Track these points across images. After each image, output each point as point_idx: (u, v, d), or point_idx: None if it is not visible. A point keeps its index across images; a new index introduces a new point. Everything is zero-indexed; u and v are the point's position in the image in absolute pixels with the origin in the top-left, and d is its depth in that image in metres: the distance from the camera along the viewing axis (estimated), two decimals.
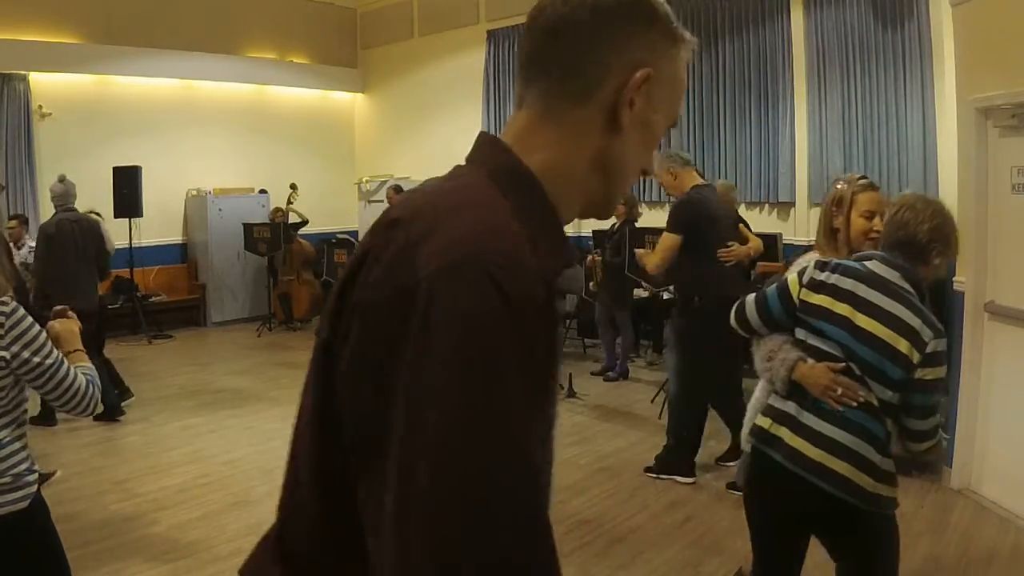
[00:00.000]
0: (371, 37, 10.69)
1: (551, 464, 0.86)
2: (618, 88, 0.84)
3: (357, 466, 0.74)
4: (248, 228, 8.69)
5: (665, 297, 6.40)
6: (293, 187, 8.83)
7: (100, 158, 7.97)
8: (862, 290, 2.03)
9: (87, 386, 1.92)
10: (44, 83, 8.09)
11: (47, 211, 7.49)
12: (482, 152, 0.87)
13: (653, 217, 7.65)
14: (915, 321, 1.97)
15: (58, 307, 2.15)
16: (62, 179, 5.58)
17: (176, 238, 9.22)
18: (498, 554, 0.68)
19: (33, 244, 5.82)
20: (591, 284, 6.59)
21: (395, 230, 0.76)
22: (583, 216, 0.93)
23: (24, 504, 1.84)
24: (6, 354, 1.79)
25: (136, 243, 8.00)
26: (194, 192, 9.15)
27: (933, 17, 6.18)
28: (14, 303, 1.85)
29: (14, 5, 7.79)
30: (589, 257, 6.68)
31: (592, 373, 6.64)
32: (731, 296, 4.09)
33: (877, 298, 2.00)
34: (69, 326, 2.10)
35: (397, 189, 7.73)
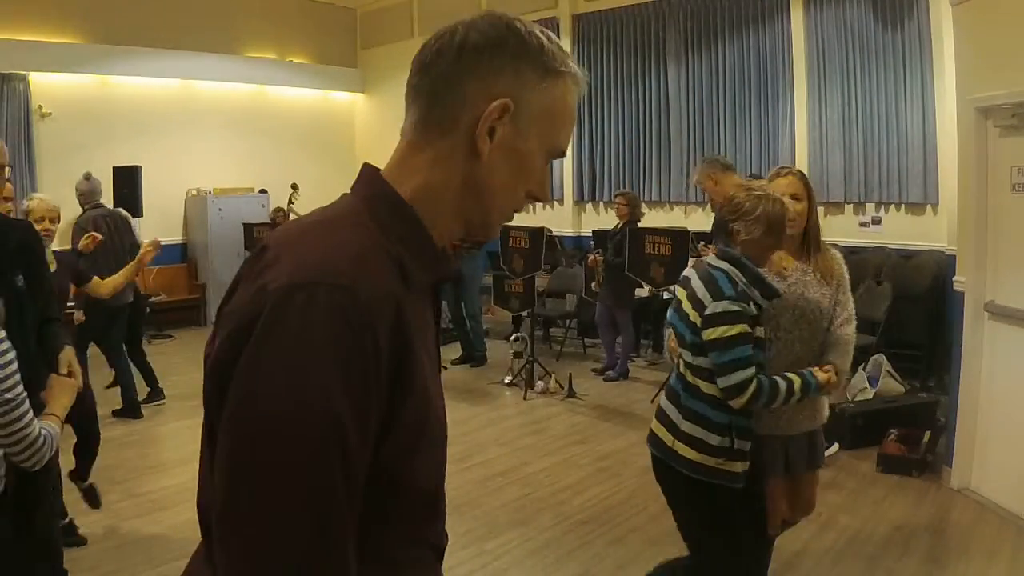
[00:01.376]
0: (371, 37, 10.69)
1: (430, 455, 0.91)
2: (476, 118, 0.89)
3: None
4: (248, 228, 8.67)
5: (665, 297, 6.40)
6: (294, 187, 8.83)
7: (100, 158, 7.96)
8: (692, 275, 2.39)
9: (39, 438, 1.85)
10: (44, 83, 8.09)
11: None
12: (361, 182, 0.94)
13: (654, 218, 7.66)
14: (702, 291, 2.30)
15: (63, 369, 2.21)
16: (88, 176, 5.68)
17: (176, 238, 9.22)
18: (289, 562, 0.74)
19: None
20: (592, 284, 6.59)
21: (263, 255, 0.84)
22: (468, 238, 0.99)
23: None
24: None
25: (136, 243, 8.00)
26: (194, 192, 9.15)
27: (933, 17, 6.18)
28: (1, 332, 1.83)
29: (14, 5, 7.79)
30: (590, 257, 6.69)
31: (592, 372, 6.65)
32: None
33: (695, 280, 2.36)
34: (62, 393, 2.09)
35: None
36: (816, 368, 2.39)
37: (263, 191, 9.51)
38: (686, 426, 2.35)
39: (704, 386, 2.31)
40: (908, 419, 4.59)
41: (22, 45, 7.77)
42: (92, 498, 3.68)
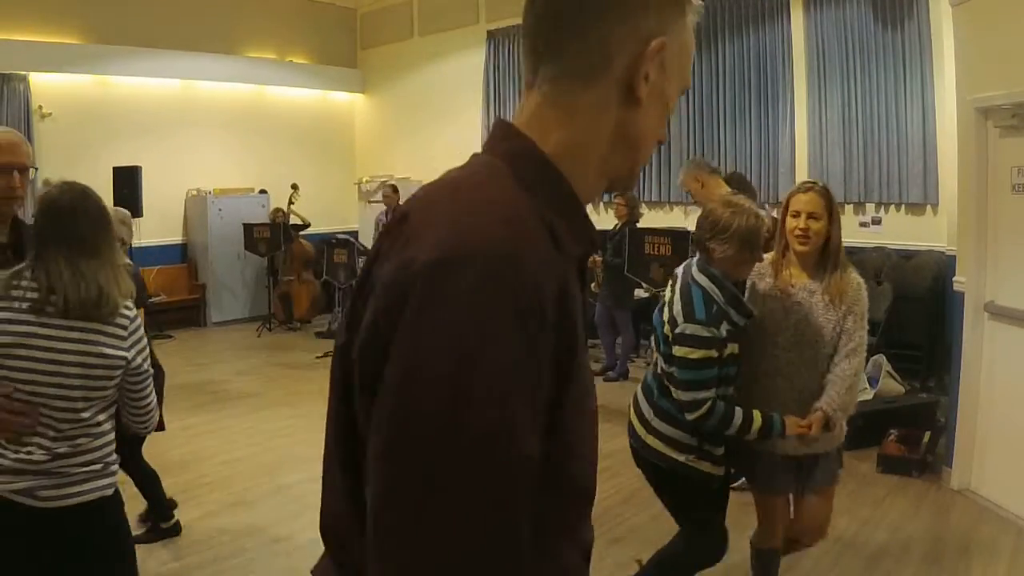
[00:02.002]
0: (371, 37, 10.69)
1: (584, 456, 0.84)
2: (631, 62, 0.82)
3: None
4: (248, 228, 8.69)
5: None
6: (295, 187, 8.83)
7: (100, 158, 7.97)
8: (676, 278, 2.46)
9: (155, 408, 2.10)
10: (44, 83, 8.09)
11: None
12: (496, 139, 0.86)
13: (654, 218, 7.66)
14: (678, 307, 2.37)
15: None
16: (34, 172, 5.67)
17: (176, 238, 9.22)
18: (459, 548, 0.66)
19: None
20: (591, 285, 6.59)
21: (404, 224, 0.76)
22: (608, 191, 0.93)
23: (110, 491, 1.96)
24: (128, 355, 1.93)
25: (136, 243, 7.98)
26: (194, 192, 9.15)
27: (933, 17, 6.18)
28: (135, 310, 2.00)
29: (14, 5, 7.79)
30: (590, 258, 6.69)
31: (592, 373, 6.64)
32: None
33: (677, 289, 2.42)
34: None
35: (394, 188, 7.74)
36: (791, 418, 2.37)
37: (263, 191, 9.51)
38: (657, 423, 2.48)
39: (675, 391, 2.40)
40: (908, 419, 4.59)
41: (22, 45, 7.77)
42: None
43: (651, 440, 2.49)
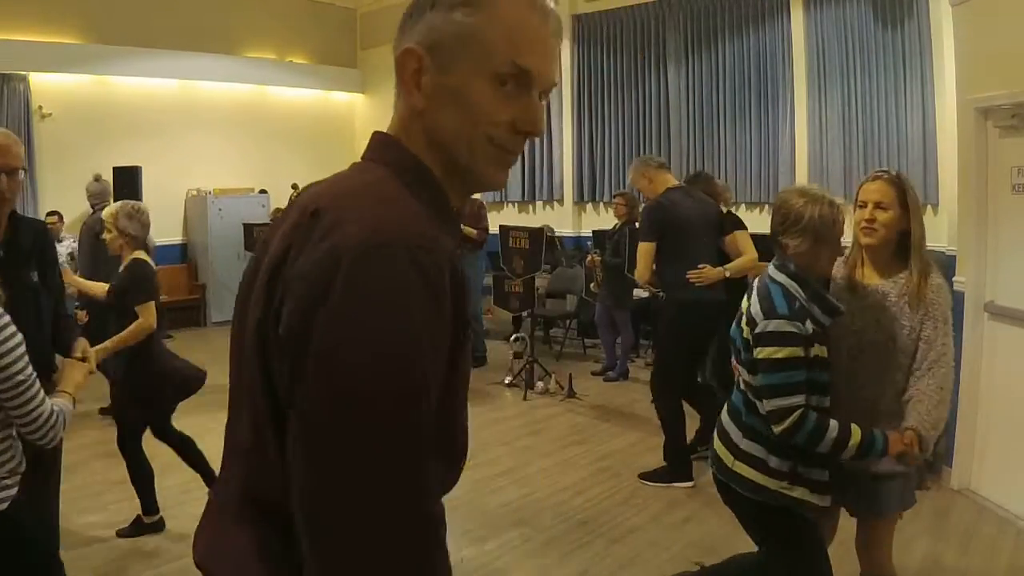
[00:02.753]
0: (371, 37, 10.69)
1: (463, 413, 0.96)
2: (398, 73, 0.92)
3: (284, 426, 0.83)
4: (248, 228, 8.66)
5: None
6: (295, 187, 8.82)
7: (100, 158, 7.95)
8: (753, 287, 2.25)
9: (51, 415, 1.89)
10: (44, 83, 8.08)
11: (43, 210, 7.51)
12: (375, 148, 0.96)
13: None
14: (756, 308, 2.15)
15: (78, 353, 2.27)
16: (98, 178, 5.75)
17: (176, 238, 9.23)
18: (378, 541, 0.77)
19: (71, 240, 6.05)
20: (591, 285, 6.59)
21: (318, 218, 0.83)
22: (477, 190, 1.03)
23: (1, 507, 1.86)
24: None
25: None
26: (194, 192, 9.16)
27: (933, 17, 6.18)
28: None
29: (14, 5, 7.79)
30: (589, 257, 6.69)
31: (592, 373, 6.64)
32: (686, 300, 4.15)
33: (753, 294, 2.21)
34: (74, 372, 2.17)
35: None
36: (895, 433, 2.09)
37: (263, 191, 9.51)
38: (746, 444, 2.21)
39: (760, 404, 2.15)
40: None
41: (22, 45, 7.77)
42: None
43: (740, 467, 2.21)
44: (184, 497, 4.03)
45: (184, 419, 5.36)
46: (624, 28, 8.26)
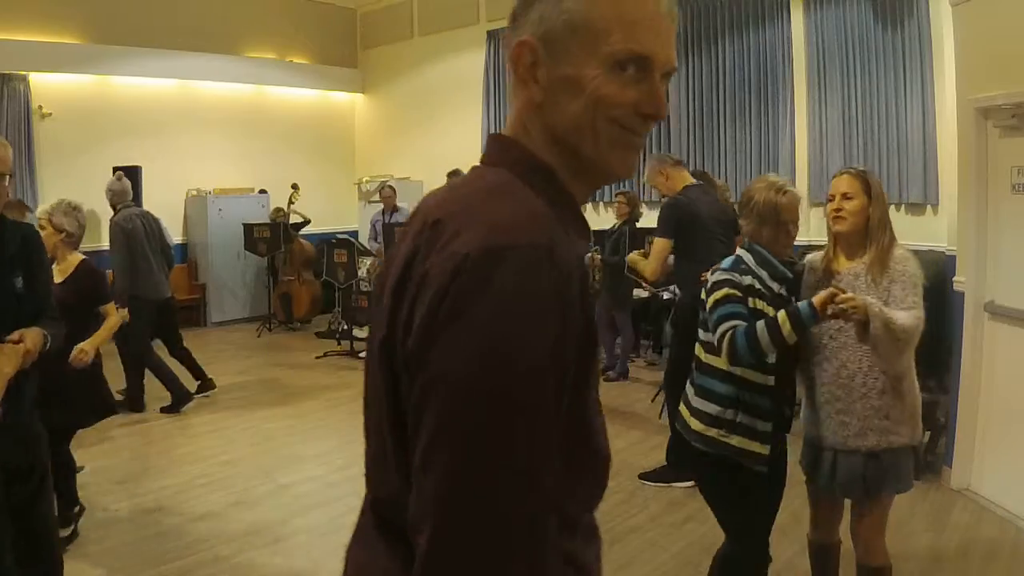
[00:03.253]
0: (371, 37, 10.69)
1: (598, 417, 0.93)
2: (512, 66, 0.91)
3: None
4: (248, 228, 8.69)
5: (665, 297, 6.40)
6: (295, 187, 8.83)
7: (100, 158, 7.97)
8: None
9: None
10: (44, 83, 8.09)
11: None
12: (495, 150, 0.94)
13: (654, 218, 7.65)
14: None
15: (14, 335, 2.15)
16: (120, 177, 5.78)
17: (176, 238, 9.21)
18: (494, 542, 0.74)
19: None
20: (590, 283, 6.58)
21: (440, 226, 0.83)
22: (604, 181, 0.98)
23: None
24: None
25: None
26: (194, 192, 9.16)
27: (933, 17, 6.18)
28: None
29: (14, 5, 7.79)
30: (588, 255, 6.68)
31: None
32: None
33: None
34: (5, 361, 2.08)
35: (392, 189, 7.75)
36: (818, 296, 2.23)
37: (263, 191, 9.51)
38: (696, 401, 2.45)
39: (713, 360, 2.38)
40: None
41: (22, 45, 7.77)
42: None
43: (692, 422, 2.44)
44: (181, 496, 4.03)
45: (183, 420, 5.38)
46: None
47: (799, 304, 2.26)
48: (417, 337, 0.78)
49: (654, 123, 0.92)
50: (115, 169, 7.81)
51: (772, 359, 2.29)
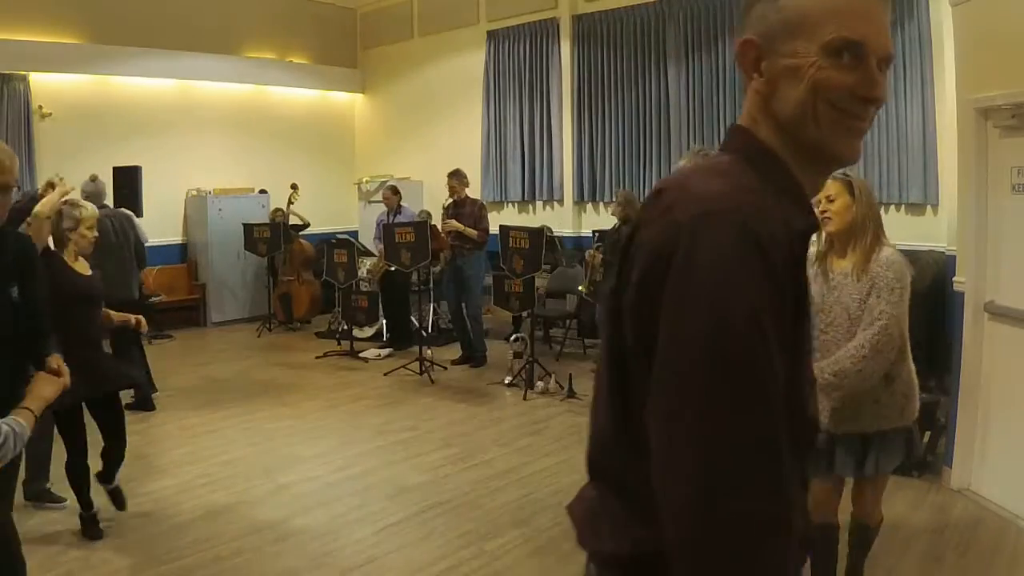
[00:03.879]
0: (371, 37, 10.69)
1: (806, 385, 0.97)
2: (738, 58, 1.00)
3: (640, 386, 0.89)
4: (248, 228, 8.69)
5: None
6: (294, 187, 8.83)
7: (100, 158, 7.95)
8: None
9: (1, 437, 1.84)
10: (44, 83, 8.09)
11: None
12: (728, 138, 1.04)
13: None
14: None
15: (53, 365, 2.19)
16: (94, 178, 5.77)
17: (176, 238, 9.22)
18: (738, 500, 0.79)
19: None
20: (586, 282, 6.57)
21: (660, 197, 0.93)
22: (832, 166, 1.04)
23: None
24: None
25: None
26: (194, 192, 9.16)
27: (933, 17, 6.18)
28: None
29: (14, 5, 7.79)
30: (590, 252, 6.68)
31: (592, 372, 6.63)
32: None
33: None
34: (43, 386, 2.10)
35: (394, 190, 7.74)
36: None
37: (263, 191, 9.50)
38: None
39: None
40: None
41: (22, 45, 7.77)
42: (118, 499, 3.70)
43: None
44: (181, 496, 4.03)
45: (183, 420, 5.38)
46: (624, 28, 8.26)
47: None
48: (635, 296, 0.88)
49: (875, 108, 0.96)
50: (115, 169, 7.84)
51: None
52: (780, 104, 0.96)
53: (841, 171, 2.60)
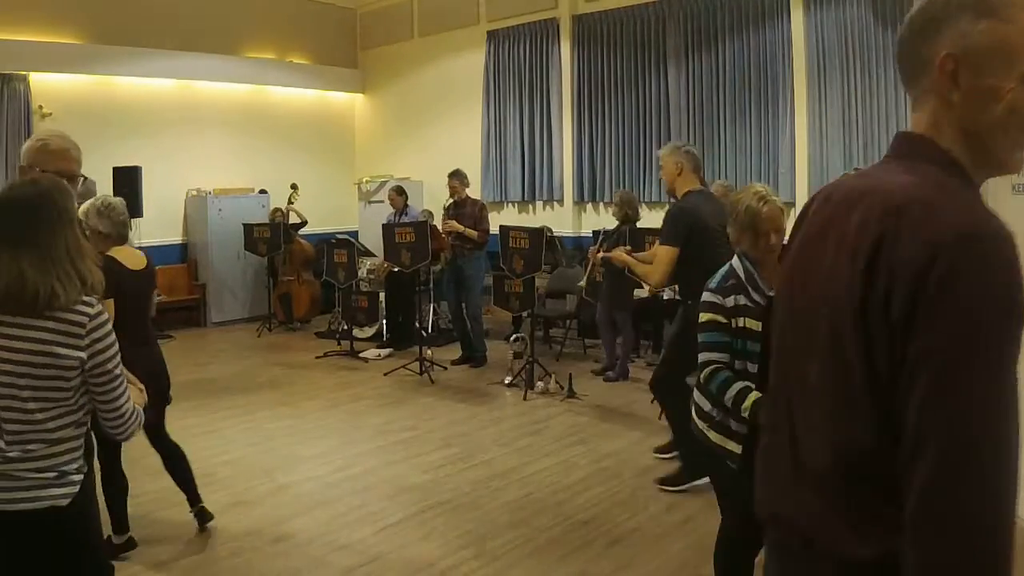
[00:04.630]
0: (371, 37, 10.69)
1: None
2: (934, 76, 1.06)
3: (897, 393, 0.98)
4: (248, 228, 8.69)
5: (665, 297, 6.40)
6: (294, 187, 8.83)
7: (100, 158, 7.94)
8: None
9: (135, 413, 1.97)
10: (44, 83, 8.09)
11: None
12: (909, 146, 1.12)
13: (654, 217, 7.65)
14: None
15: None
16: (84, 179, 5.70)
17: (176, 238, 9.23)
18: (983, 518, 0.91)
19: None
20: (584, 282, 6.56)
21: (905, 215, 0.99)
22: (994, 174, 1.13)
23: (64, 502, 1.85)
24: (82, 355, 1.81)
25: (136, 243, 7.97)
26: (194, 192, 9.16)
27: None
28: (99, 306, 1.87)
29: (14, 5, 7.80)
30: (591, 250, 6.67)
31: (592, 373, 6.64)
32: None
33: None
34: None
35: (399, 191, 7.74)
36: None
37: (263, 191, 9.51)
38: (695, 395, 2.61)
39: None
40: None
41: (22, 45, 7.78)
42: (203, 519, 3.63)
43: (694, 416, 2.60)
44: (181, 496, 4.02)
45: (183, 420, 5.37)
46: (624, 28, 8.26)
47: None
48: (902, 313, 0.95)
49: None
50: (115, 169, 7.84)
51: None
52: (973, 117, 1.05)
53: (857, 167, 2.62)
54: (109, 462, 3.39)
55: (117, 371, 1.89)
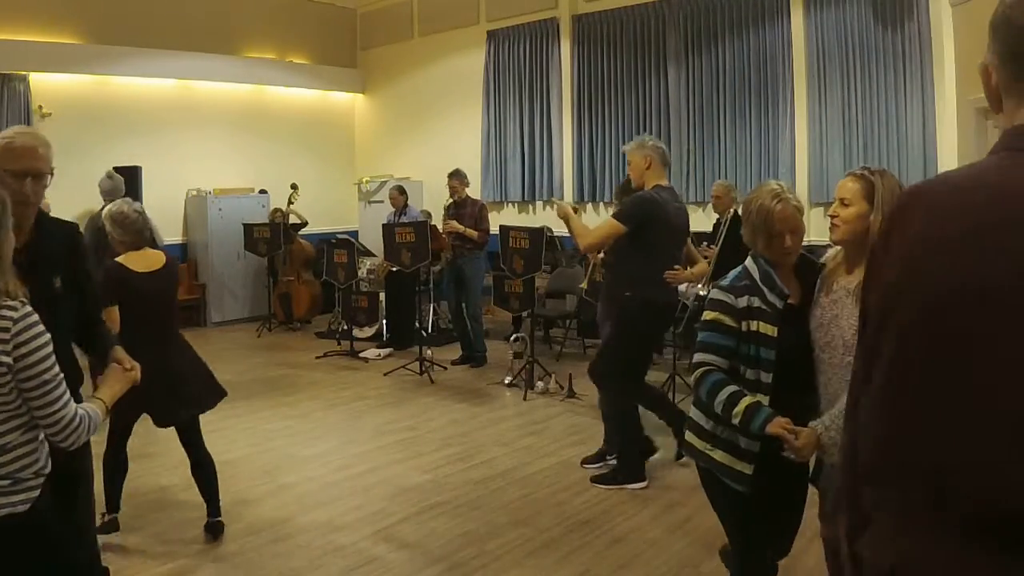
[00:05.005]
0: (371, 37, 10.69)
1: None
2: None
3: None
4: (248, 228, 8.69)
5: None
6: (294, 187, 8.83)
7: (100, 158, 7.96)
8: None
9: (76, 419, 1.86)
10: (44, 83, 8.09)
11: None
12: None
13: None
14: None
15: (127, 365, 2.23)
16: (111, 175, 5.77)
17: (176, 238, 9.22)
18: None
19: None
20: (584, 282, 6.55)
21: None
22: None
23: (23, 508, 1.81)
24: (8, 359, 1.74)
25: None
26: (194, 192, 9.16)
27: (933, 17, 6.18)
28: (26, 308, 1.81)
29: (14, 5, 7.80)
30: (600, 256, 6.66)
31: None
32: (657, 301, 4.09)
33: None
34: (114, 381, 2.16)
35: (400, 190, 7.74)
36: (781, 418, 2.14)
37: (263, 191, 9.51)
38: (693, 412, 2.47)
39: None
40: None
41: (22, 45, 7.78)
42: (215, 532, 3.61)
43: (688, 435, 2.47)
44: (181, 496, 4.03)
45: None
46: (624, 28, 8.27)
47: (760, 411, 2.16)
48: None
49: None
50: (115, 169, 7.83)
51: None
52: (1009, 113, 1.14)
53: (866, 168, 2.38)
54: (113, 443, 3.52)
55: (48, 375, 1.80)
